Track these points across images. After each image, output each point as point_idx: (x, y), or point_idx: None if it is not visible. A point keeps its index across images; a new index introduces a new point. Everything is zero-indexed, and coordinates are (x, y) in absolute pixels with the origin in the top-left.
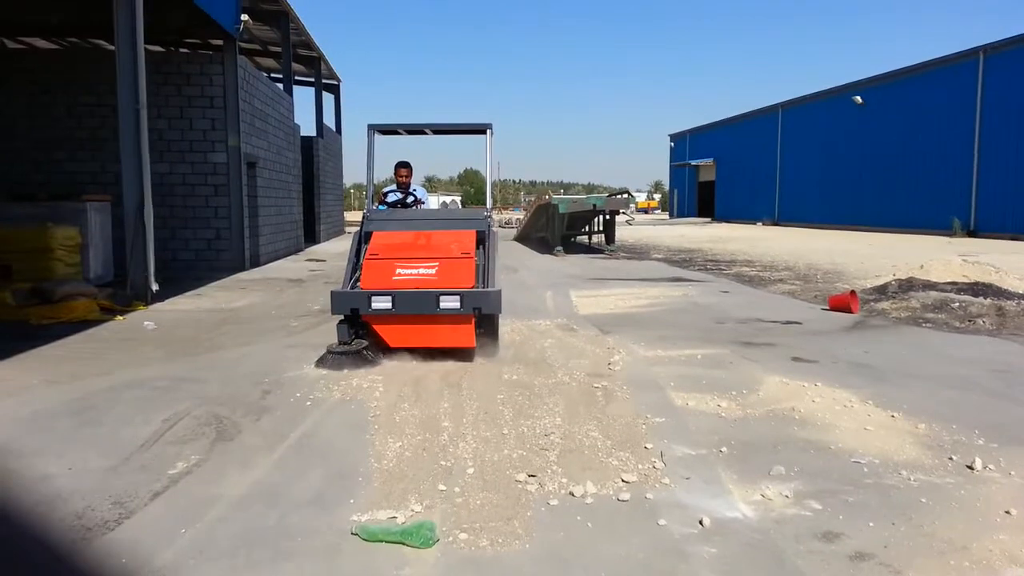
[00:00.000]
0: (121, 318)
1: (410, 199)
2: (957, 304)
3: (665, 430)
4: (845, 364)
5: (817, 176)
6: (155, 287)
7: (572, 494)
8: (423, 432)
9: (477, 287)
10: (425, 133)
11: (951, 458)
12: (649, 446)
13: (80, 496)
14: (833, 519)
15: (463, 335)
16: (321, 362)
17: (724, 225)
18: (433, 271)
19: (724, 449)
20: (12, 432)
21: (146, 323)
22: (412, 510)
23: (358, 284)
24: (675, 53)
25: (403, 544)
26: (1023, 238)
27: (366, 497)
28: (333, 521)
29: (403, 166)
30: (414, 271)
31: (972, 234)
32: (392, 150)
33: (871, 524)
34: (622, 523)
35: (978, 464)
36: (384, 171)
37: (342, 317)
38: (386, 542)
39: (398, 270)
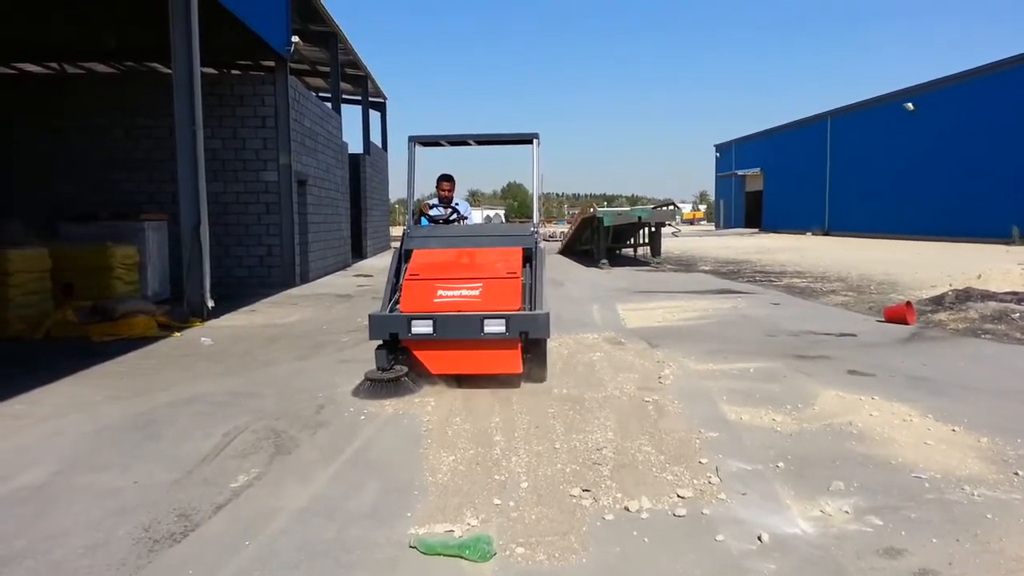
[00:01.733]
0: (178, 334)
1: (453, 215)
2: (1018, 315)
3: (719, 445)
4: (902, 377)
5: (868, 185)
6: (211, 304)
7: (627, 509)
8: (475, 446)
9: (524, 309)
10: (468, 144)
11: (1017, 473)
12: (704, 461)
13: (146, 509)
14: (895, 535)
15: (509, 361)
16: (359, 391)
17: (772, 235)
18: (477, 292)
19: (780, 464)
20: (80, 447)
21: (203, 339)
22: (468, 524)
23: (397, 307)
24: (721, 62)
25: (461, 557)
26: None
27: (422, 510)
28: (391, 534)
29: (446, 179)
30: (456, 292)
31: None
32: (435, 163)
33: (934, 540)
34: (679, 538)
35: None
36: (426, 185)
37: (380, 342)
38: (444, 555)
39: (439, 291)
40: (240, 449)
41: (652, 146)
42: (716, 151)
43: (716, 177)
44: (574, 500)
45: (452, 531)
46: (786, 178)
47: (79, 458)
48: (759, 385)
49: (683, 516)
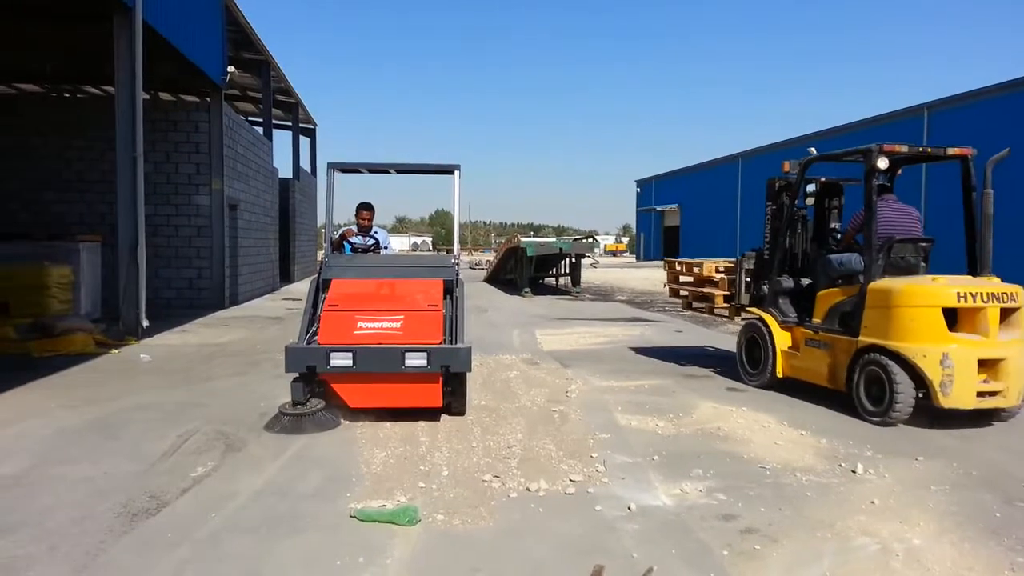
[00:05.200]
0: (116, 351)
1: (371, 241)
2: None
3: (609, 444)
4: (772, 393)
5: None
6: (145, 323)
7: (528, 489)
8: (404, 445)
9: (445, 342)
10: (388, 172)
11: (840, 465)
12: (594, 455)
13: (120, 492)
14: (734, 506)
15: (430, 395)
16: (272, 425)
17: None
18: (398, 324)
19: (656, 457)
20: (45, 446)
21: (142, 356)
22: (398, 500)
23: (315, 338)
24: (643, 101)
25: (392, 523)
26: None
27: (360, 492)
28: (334, 508)
29: (366, 208)
30: (377, 324)
31: None
32: (361, 191)
33: (762, 509)
34: (567, 509)
35: (860, 469)
36: (350, 212)
37: (296, 374)
38: (379, 521)
39: (359, 323)
40: (194, 447)
41: (579, 180)
42: (637, 186)
43: (637, 211)
44: (486, 483)
45: (385, 505)
46: (701, 214)
47: (48, 454)
48: (651, 398)
49: (572, 494)
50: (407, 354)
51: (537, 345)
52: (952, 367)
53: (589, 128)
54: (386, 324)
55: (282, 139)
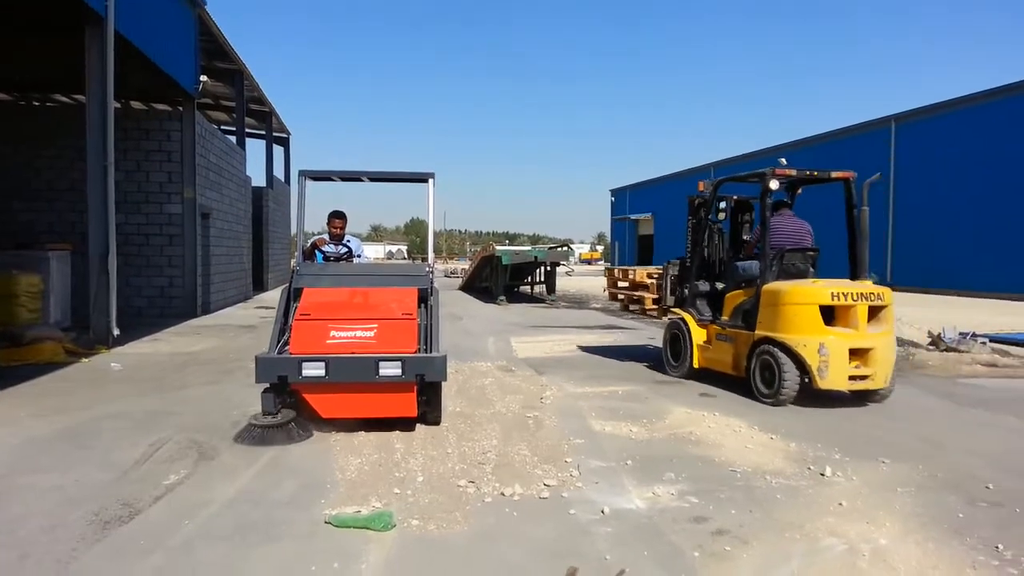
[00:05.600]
0: (86, 360)
1: (343, 250)
2: None
3: (583, 449)
4: (743, 399)
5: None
6: (116, 332)
7: (503, 494)
8: (379, 452)
9: (420, 351)
10: (361, 180)
11: (809, 467)
12: (568, 460)
13: (92, 500)
14: (705, 508)
15: (404, 404)
16: (242, 437)
17: None
18: (371, 333)
19: (629, 462)
20: (13, 455)
21: (112, 364)
22: (373, 506)
23: (287, 348)
24: (619, 111)
25: (367, 528)
26: (932, 291)
27: (334, 498)
28: (309, 515)
29: (338, 216)
30: (350, 333)
31: (889, 287)
32: (335, 199)
33: (733, 512)
34: (541, 513)
35: (828, 471)
36: (318, 221)
37: (267, 385)
38: (354, 527)
39: (332, 332)
40: (167, 456)
41: (554, 189)
42: (612, 196)
43: (612, 220)
44: (461, 489)
45: (359, 511)
46: (675, 222)
47: (17, 463)
48: (624, 404)
49: (546, 498)
50: (381, 363)
51: (512, 352)
52: (828, 355)
53: (564, 138)
54: (359, 333)
55: (255, 148)
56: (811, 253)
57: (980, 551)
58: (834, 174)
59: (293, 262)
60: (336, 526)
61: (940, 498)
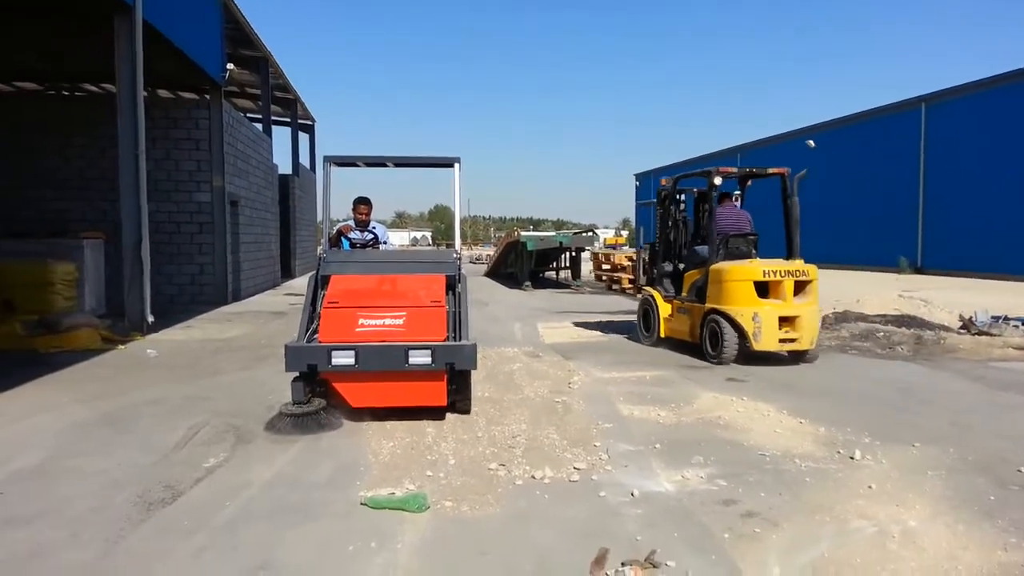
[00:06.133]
0: (123, 347)
1: (369, 236)
2: (881, 334)
3: (612, 433)
4: (770, 383)
5: (774, 215)
6: (150, 319)
7: (534, 477)
8: (411, 436)
9: (449, 339)
10: (386, 166)
11: (839, 451)
12: (597, 444)
13: (135, 482)
14: (734, 492)
15: (434, 393)
16: (272, 426)
17: None
18: (400, 321)
19: (658, 446)
20: (59, 439)
21: (148, 351)
22: (407, 488)
23: (316, 336)
24: (643, 96)
25: (402, 510)
26: (964, 275)
27: (369, 480)
28: (345, 496)
29: (363, 202)
30: (379, 321)
31: (919, 271)
32: (361, 186)
33: (762, 495)
34: (572, 495)
35: (858, 455)
36: (344, 207)
37: (296, 374)
38: (389, 508)
39: (361, 320)
40: (205, 439)
41: (579, 174)
42: (636, 180)
43: (636, 205)
44: (492, 472)
45: (394, 493)
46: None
47: (62, 447)
48: (652, 389)
49: (576, 481)
50: (411, 352)
51: (539, 338)
52: (760, 322)
53: (589, 123)
54: (388, 321)
55: (281, 135)
56: (751, 237)
57: (1011, 533)
58: (771, 170)
59: (320, 249)
60: (372, 507)
61: (970, 481)
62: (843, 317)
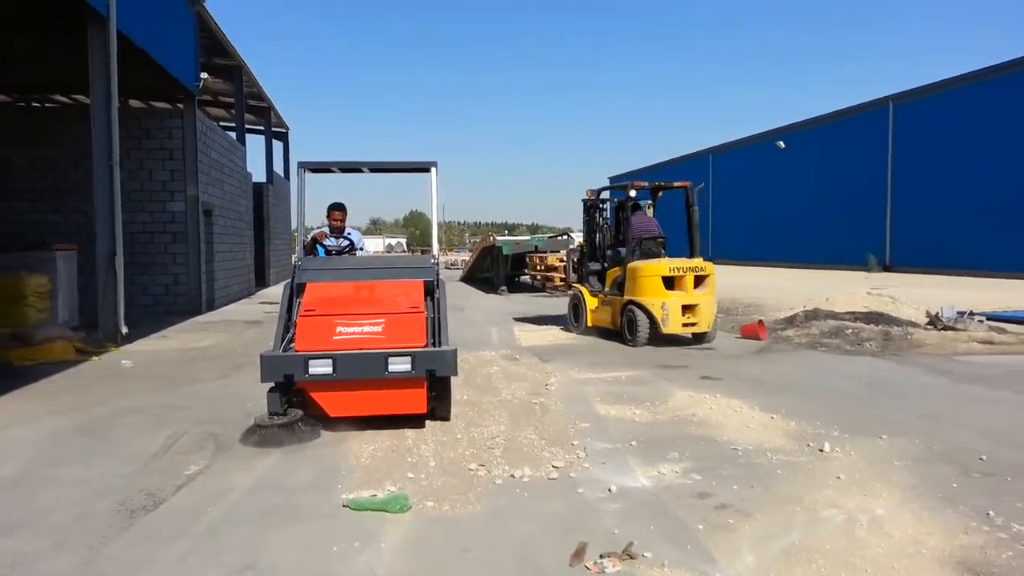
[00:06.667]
0: (97, 358)
1: (344, 243)
2: (850, 330)
3: (589, 432)
4: (743, 380)
5: (747, 216)
6: (124, 330)
7: (513, 476)
8: (391, 439)
9: (429, 345)
10: (361, 171)
11: (808, 444)
12: (575, 443)
13: (116, 491)
14: (708, 485)
15: (414, 400)
16: (248, 438)
17: None
18: (379, 328)
19: (634, 443)
20: (38, 450)
21: (123, 362)
22: (388, 489)
23: (292, 345)
24: (616, 98)
25: (384, 511)
26: (932, 272)
27: (351, 483)
28: (328, 499)
29: (337, 208)
30: (357, 329)
31: (887, 269)
32: (334, 192)
33: (735, 487)
34: (550, 492)
35: (827, 447)
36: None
37: (272, 384)
38: (371, 510)
39: (339, 328)
40: (185, 447)
41: (553, 178)
42: (610, 183)
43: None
44: (472, 472)
45: (376, 494)
46: (673, 209)
47: (41, 458)
48: (628, 388)
49: (555, 478)
50: (390, 359)
51: (516, 341)
52: (667, 310)
53: (562, 126)
54: (367, 328)
55: (255, 144)
56: (660, 240)
57: (972, 518)
58: (676, 183)
59: (295, 257)
60: (354, 509)
61: (935, 470)
62: (813, 315)
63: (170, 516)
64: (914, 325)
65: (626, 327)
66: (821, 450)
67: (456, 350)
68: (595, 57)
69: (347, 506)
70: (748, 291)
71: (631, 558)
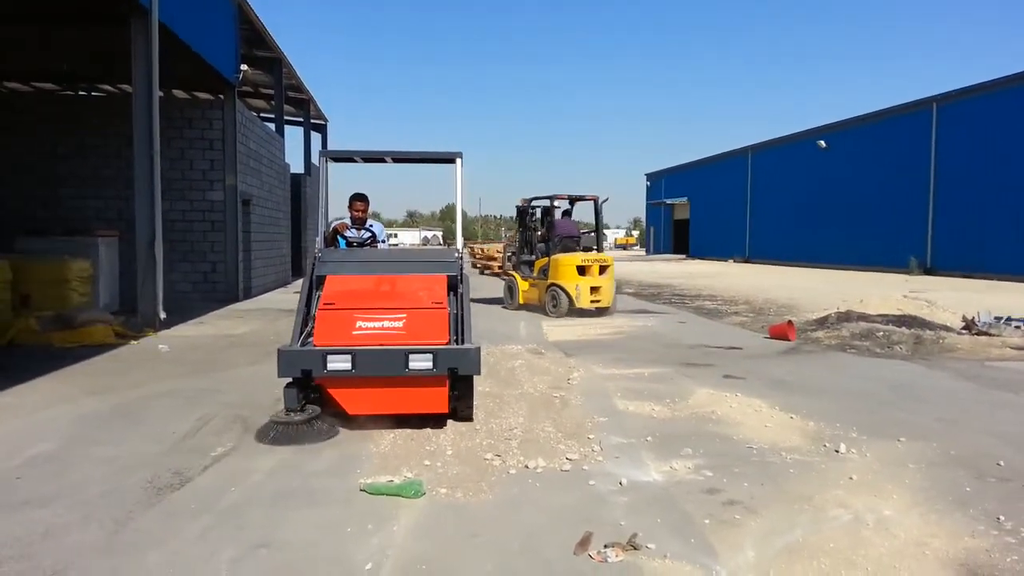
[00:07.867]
0: (135, 342)
1: (366, 235)
2: (881, 333)
3: (606, 426)
4: (766, 380)
5: (785, 215)
6: (163, 315)
7: (527, 466)
8: (410, 428)
9: (451, 342)
10: (384, 161)
11: (825, 445)
12: (591, 437)
13: (146, 469)
14: (719, 481)
15: (435, 400)
16: (263, 435)
17: (697, 261)
18: (400, 324)
19: (650, 439)
20: (74, 429)
21: (160, 346)
22: (404, 476)
23: (310, 340)
24: (654, 95)
25: (399, 496)
26: (974, 276)
27: (369, 469)
28: (345, 483)
29: (359, 199)
30: (378, 324)
31: (929, 272)
32: (367, 185)
33: (745, 485)
34: (563, 483)
35: (842, 448)
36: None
37: (290, 379)
38: (387, 495)
39: (358, 323)
40: (214, 429)
41: (589, 174)
42: (647, 180)
43: (647, 205)
44: (487, 461)
45: (392, 480)
46: (711, 208)
47: (76, 436)
48: (649, 385)
49: (568, 470)
50: (411, 356)
51: (543, 336)
52: (580, 290)
53: (600, 122)
54: (387, 323)
55: (293, 135)
56: (576, 238)
57: (981, 521)
58: (587, 196)
59: (315, 248)
60: (370, 493)
61: (950, 473)
62: (845, 317)
63: (195, 494)
64: (948, 329)
65: (549, 302)
66: (837, 451)
67: (480, 348)
68: (638, 52)
69: (364, 490)
70: (783, 291)
71: (634, 549)
